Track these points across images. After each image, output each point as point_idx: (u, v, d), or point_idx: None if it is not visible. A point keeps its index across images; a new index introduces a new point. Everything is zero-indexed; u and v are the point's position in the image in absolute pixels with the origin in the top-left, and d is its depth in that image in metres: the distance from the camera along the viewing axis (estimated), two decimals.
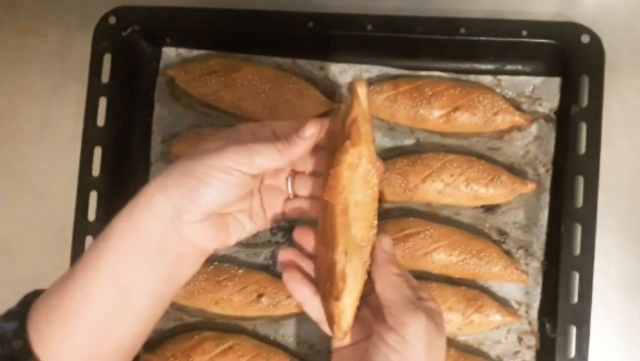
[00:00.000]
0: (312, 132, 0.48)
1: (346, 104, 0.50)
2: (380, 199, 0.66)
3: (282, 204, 0.53)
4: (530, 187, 0.65)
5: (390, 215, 0.67)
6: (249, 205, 0.51)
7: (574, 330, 0.61)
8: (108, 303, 0.46)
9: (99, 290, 0.46)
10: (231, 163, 0.46)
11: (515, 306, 0.65)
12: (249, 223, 0.51)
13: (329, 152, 0.50)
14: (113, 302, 0.46)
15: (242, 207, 0.50)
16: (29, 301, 0.48)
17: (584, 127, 0.63)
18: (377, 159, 0.49)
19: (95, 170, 0.68)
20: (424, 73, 0.69)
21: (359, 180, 0.48)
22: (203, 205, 0.46)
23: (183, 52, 0.72)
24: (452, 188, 0.65)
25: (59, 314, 0.46)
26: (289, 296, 0.66)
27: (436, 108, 0.66)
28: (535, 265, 0.65)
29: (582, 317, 0.61)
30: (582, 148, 0.63)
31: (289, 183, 0.53)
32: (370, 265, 0.49)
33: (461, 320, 0.63)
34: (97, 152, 0.68)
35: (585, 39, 0.64)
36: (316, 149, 0.51)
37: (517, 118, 0.66)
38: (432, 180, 0.65)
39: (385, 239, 0.50)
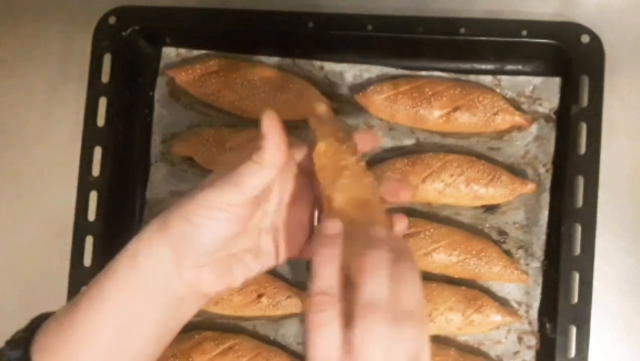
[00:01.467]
0: (267, 123, 0.46)
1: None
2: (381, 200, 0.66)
3: (302, 243, 0.50)
4: (530, 187, 0.65)
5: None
6: (255, 244, 0.49)
7: (574, 330, 0.61)
8: (111, 341, 0.46)
9: (101, 327, 0.46)
10: (219, 197, 0.45)
11: (515, 306, 0.65)
12: (255, 264, 0.49)
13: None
14: (116, 340, 0.46)
15: (246, 245, 0.49)
16: (35, 327, 0.47)
17: (584, 127, 0.63)
18: (347, 139, 0.48)
19: (95, 170, 0.68)
20: (424, 73, 0.69)
21: (334, 172, 0.47)
22: (201, 248, 0.46)
23: (183, 52, 0.72)
24: (452, 188, 0.65)
25: (64, 346, 0.46)
26: (289, 296, 0.66)
27: (436, 108, 0.66)
28: (535, 265, 0.65)
29: (582, 317, 0.61)
30: (582, 148, 0.62)
31: (316, 215, 0.51)
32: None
33: (461, 320, 0.63)
34: (97, 152, 0.68)
35: (585, 39, 0.64)
36: None
37: (517, 118, 0.66)
38: (432, 180, 0.65)
39: (323, 225, 0.45)
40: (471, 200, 0.66)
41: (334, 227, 0.45)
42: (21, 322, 0.52)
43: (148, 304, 0.46)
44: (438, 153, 0.66)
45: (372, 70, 0.69)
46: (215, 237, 0.46)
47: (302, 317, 0.66)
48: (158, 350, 0.49)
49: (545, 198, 0.65)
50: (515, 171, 0.66)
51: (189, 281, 0.47)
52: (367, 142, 0.51)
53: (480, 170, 0.65)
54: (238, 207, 0.45)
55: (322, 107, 0.50)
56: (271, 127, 0.46)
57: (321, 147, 0.48)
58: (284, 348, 0.66)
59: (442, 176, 0.65)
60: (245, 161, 0.46)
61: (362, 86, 0.68)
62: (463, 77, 0.68)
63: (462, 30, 0.65)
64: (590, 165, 0.62)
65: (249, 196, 0.46)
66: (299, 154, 0.50)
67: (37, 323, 0.48)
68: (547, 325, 0.63)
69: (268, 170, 0.46)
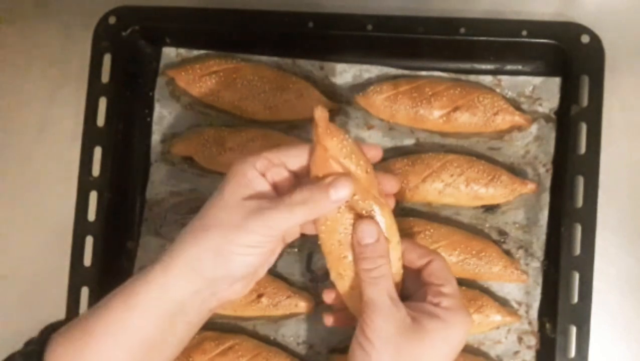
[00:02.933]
0: (345, 194, 0.47)
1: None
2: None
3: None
4: (530, 187, 0.65)
5: None
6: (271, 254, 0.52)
7: (574, 330, 0.61)
8: (134, 358, 0.47)
9: (125, 346, 0.46)
10: (254, 238, 0.46)
11: (515, 306, 0.65)
12: (273, 260, 0.53)
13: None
14: (139, 356, 0.47)
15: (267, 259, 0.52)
16: (46, 338, 0.48)
17: (584, 127, 0.63)
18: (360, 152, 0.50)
19: (95, 170, 0.68)
20: (424, 73, 0.69)
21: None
22: (238, 278, 0.48)
23: (183, 52, 0.72)
24: (452, 188, 0.65)
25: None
26: (289, 296, 0.66)
27: (436, 108, 0.66)
28: (535, 265, 0.65)
29: (582, 317, 0.61)
30: (582, 148, 0.63)
31: None
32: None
33: None
34: (97, 152, 0.68)
35: (585, 39, 0.64)
36: None
37: (517, 118, 0.66)
38: (432, 180, 0.65)
39: (359, 229, 0.48)
40: (471, 200, 0.66)
41: (370, 233, 0.48)
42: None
43: (172, 329, 0.48)
44: (438, 153, 0.66)
45: (372, 70, 0.69)
46: (249, 270, 0.48)
47: (302, 317, 0.66)
48: (180, 351, 0.51)
49: (545, 198, 0.65)
50: (515, 171, 0.66)
51: (221, 300, 0.49)
52: (372, 154, 0.52)
53: (480, 170, 0.65)
54: (273, 243, 0.48)
55: (320, 111, 0.49)
56: (344, 188, 0.47)
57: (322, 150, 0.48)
58: (284, 348, 0.66)
59: (442, 176, 0.65)
60: (291, 207, 0.46)
61: (362, 86, 0.68)
62: (463, 77, 0.68)
63: (462, 30, 0.65)
64: (590, 165, 0.62)
65: (280, 234, 0.48)
66: (297, 160, 0.50)
67: (47, 335, 0.48)
68: (547, 325, 0.63)
69: (311, 218, 0.48)
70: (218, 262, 0.46)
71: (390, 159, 0.67)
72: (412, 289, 0.52)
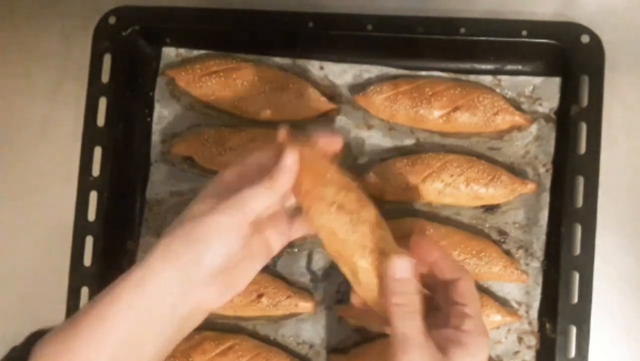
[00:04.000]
0: (291, 160, 0.49)
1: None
2: (381, 199, 0.66)
3: (287, 229, 0.53)
4: (530, 187, 0.65)
5: (390, 215, 0.67)
6: (251, 249, 0.51)
7: (574, 330, 0.61)
8: None
9: (104, 351, 0.46)
10: (227, 219, 0.47)
11: (515, 306, 0.65)
12: (253, 267, 0.51)
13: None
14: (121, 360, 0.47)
15: (245, 253, 0.50)
16: (31, 345, 0.47)
17: (584, 127, 0.63)
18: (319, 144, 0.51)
19: (95, 170, 0.68)
20: (424, 73, 0.69)
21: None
22: (209, 268, 0.48)
23: (183, 52, 0.72)
24: (452, 188, 0.65)
25: None
26: (289, 296, 0.66)
27: (436, 108, 0.66)
28: (535, 265, 0.65)
29: (582, 317, 0.61)
30: (582, 148, 0.63)
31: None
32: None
33: None
34: (97, 152, 0.68)
35: (585, 39, 0.64)
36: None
37: (517, 118, 0.66)
38: (432, 180, 0.65)
39: (392, 264, 0.47)
40: (471, 200, 0.66)
41: (403, 268, 0.47)
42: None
43: (154, 328, 0.47)
44: (438, 153, 0.66)
45: (372, 70, 0.69)
46: (221, 258, 0.48)
47: (302, 317, 0.66)
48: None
49: (545, 198, 0.65)
50: (515, 171, 0.66)
51: (195, 301, 0.48)
52: (330, 144, 0.53)
53: (480, 170, 0.65)
54: (243, 228, 0.48)
55: (282, 133, 0.52)
56: (294, 162, 0.49)
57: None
58: (284, 348, 0.66)
59: (442, 176, 0.65)
60: (254, 185, 0.48)
61: (362, 86, 0.68)
62: (463, 77, 0.68)
63: (462, 30, 0.65)
64: (590, 165, 0.62)
65: (253, 217, 0.48)
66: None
67: (33, 341, 0.47)
68: (547, 325, 0.63)
69: (275, 197, 0.49)
70: (189, 246, 0.47)
71: (390, 159, 0.67)
72: (439, 300, 0.51)
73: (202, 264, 0.47)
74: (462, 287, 0.49)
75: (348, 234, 0.49)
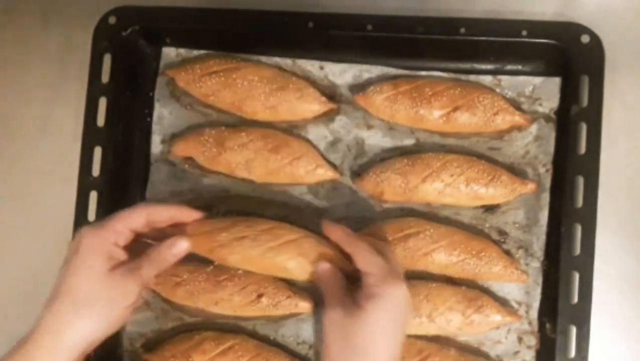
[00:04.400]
0: (184, 247, 0.60)
1: None
2: (380, 199, 0.66)
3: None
4: (530, 187, 0.65)
5: (390, 215, 0.67)
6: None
7: (574, 330, 0.61)
8: None
9: None
10: (131, 298, 0.56)
11: (515, 306, 0.65)
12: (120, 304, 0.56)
13: None
14: None
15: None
16: None
17: (584, 127, 0.63)
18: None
19: (95, 170, 0.68)
20: (424, 73, 0.69)
21: None
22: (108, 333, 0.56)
23: (183, 52, 0.72)
24: (452, 188, 0.65)
25: None
26: (289, 296, 0.66)
27: (436, 108, 0.66)
28: (535, 265, 0.65)
29: (582, 317, 0.61)
30: (582, 148, 0.63)
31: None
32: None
33: (461, 320, 0.63)
34: (97, 152, 0.68)
35: (585, 39, 0.64)
36: None
37: (517, 118, 0.66)
38: (432, 180, 0.65)
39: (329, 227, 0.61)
40: (471, 200, 0.66)
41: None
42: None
43: None
44: (438, 153, 0.66)
45: (372, 70, 0.69)
46: (123, 319, 0.57)
47: (302, 317, 0.66)
48: None
49: (545, 198, 0.65)
50: (515, 171, 0.66)
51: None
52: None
53: (480, 170, 0.65)
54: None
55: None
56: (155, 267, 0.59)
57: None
58: (283, 348, 0.66)
59: (442, 176, 0.65)
60: (150, 264, 0.58)
61: (362, 86, 0.68)
62: (463, 77, 0.68)
63: (462, 30, 0.65)
64: (590, 165, 0.62)
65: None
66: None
67: None
68: (547, 325, 0.63)
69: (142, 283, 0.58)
70: (97, 331, 0.54)
71: (390, 159, 0.67)
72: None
73: (105, 331, 0.55)
74: (358, 260, 0.57)
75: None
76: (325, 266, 0.60)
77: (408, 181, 0.65)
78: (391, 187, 0.65)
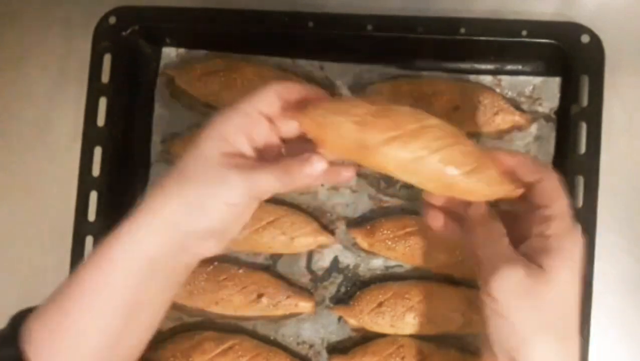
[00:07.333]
0: (319, 169, 0.46)
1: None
2: (321, 145, 0.54)
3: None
4: (517, 192, 0.65)
5: (390, 214, 0.67)
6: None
7: None
8: (116, 322, 0.46)
9: (105, 310, 0.45)
10: (235, 193, 0.45)
11: None
12: (242, 223, 0.49)
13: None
14: (121, 319, 0.46)
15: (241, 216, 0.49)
16: (18, 324, 0.46)
17: (584, 127, 0.63)
18: None
19: (95, 170, 0.68)
20: (424, 73, 0.69)
21: None
22: (208, 234, 0.47)
23: (183, 52, 0.72)
24: (419, 164, 0.63)
25: (62, 336, 0.45)
26: (289, 296, 0.66)
27: (436, 108, 0.66)
28: None
29: (582, 317, 0.60)
30: (582, 148, 0.62)
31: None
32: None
33: (462, 320, 0.63)
34: (97, 152, 0.68)
35: (585, 39, 0.64)
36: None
37: (517, 118, 0.66)
38: (398, 145, 0.62)
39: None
40: (440, 187, 0.64)
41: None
42: None
43: (147, 288, 0.46)
44: (416, 110, 0.64)
45: (372, 70, 0.69)
46: (223, 223, 0.47)
47: (302, 317, 0.66)
48: (163, 316, 0.50)
49: None
50: None
51: (189, 259, 0.48)
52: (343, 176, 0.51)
53: (465, 152, 0.63)
54: (249, 200, 0.47)
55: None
56: (317, 164, 0.46)
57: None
58: (284, 348, 0.66)
59: (412, 145, 0.61)
60: (267, 170, 0.46)
61: (362, 86, 0.68)
62: (463, 77, 0.68)
63: (462, 30, 0.65)
64: (590, 165, 0.62)
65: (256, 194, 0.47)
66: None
67: (19, 320, 0.46)
68: None
69: (284, 188, 0.46)
70: (192, 215, 0.45)
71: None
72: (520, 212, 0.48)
73: (204, 230, 0.46)
74: (544, 188, 0.45)
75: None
76: (481, 209, 0.47)
77: (365, 137, 0.47)
78: (339, 135, 0.47)
